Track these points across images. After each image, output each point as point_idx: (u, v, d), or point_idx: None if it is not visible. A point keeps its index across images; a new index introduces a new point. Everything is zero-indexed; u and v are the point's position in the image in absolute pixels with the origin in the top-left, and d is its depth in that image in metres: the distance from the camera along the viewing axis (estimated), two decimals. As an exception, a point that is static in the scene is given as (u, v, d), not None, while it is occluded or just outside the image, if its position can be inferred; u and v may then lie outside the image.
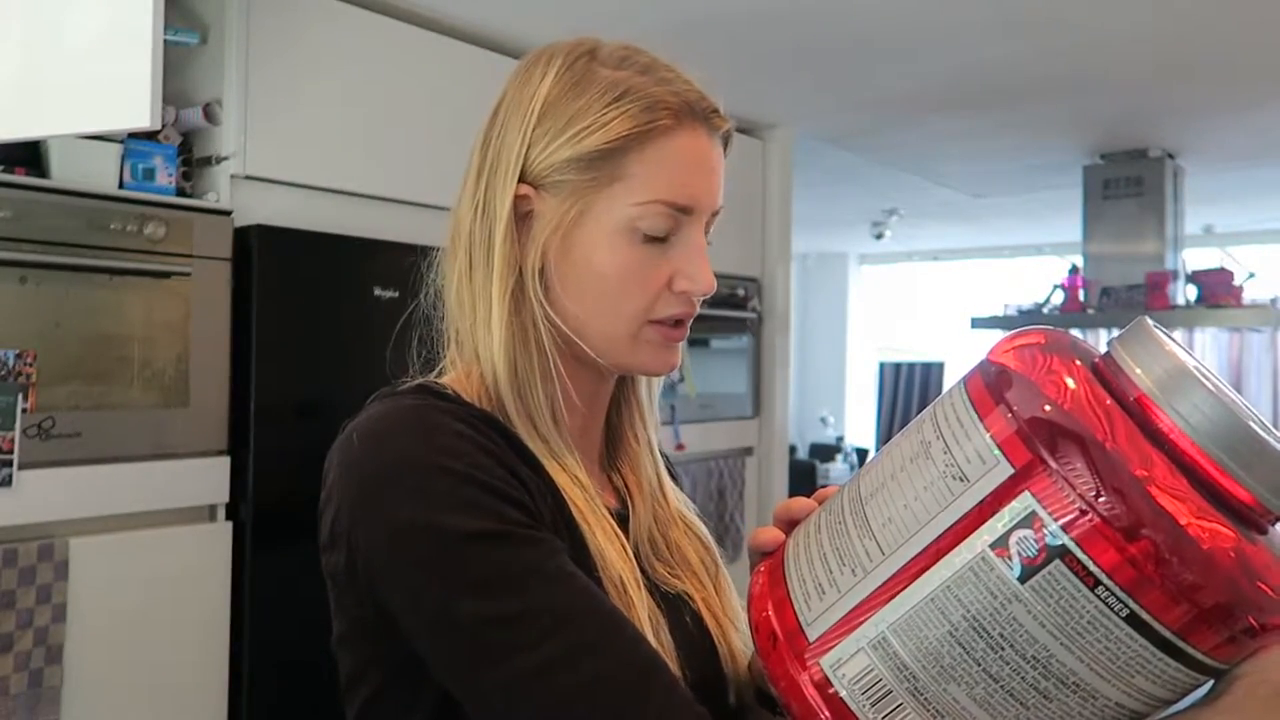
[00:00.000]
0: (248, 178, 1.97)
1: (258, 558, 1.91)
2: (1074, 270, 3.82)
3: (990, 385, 0.51)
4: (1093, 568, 0.45)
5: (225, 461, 1.90)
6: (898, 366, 6.80)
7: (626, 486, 0.79)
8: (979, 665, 0.48)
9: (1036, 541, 0.46)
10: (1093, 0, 2.25)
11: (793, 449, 6.00)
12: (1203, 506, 0.45)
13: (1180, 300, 3.67)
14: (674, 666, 0.64)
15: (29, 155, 1.76)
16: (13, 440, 1.62)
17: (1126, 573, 0.44)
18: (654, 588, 0.73)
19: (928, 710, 0.49)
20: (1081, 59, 2.68)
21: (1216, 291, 3.56)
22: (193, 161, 2.00)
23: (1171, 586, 0.44)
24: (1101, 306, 3.71)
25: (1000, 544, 0.47)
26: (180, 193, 1.92)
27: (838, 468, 6.18)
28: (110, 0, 0.73)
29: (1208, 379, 0.47)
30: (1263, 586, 0.45)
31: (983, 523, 0.48)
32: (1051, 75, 2.80)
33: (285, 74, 2.03)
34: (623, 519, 0.75)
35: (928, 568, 0.49)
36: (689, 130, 0.69)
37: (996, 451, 0.48)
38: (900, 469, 0.53)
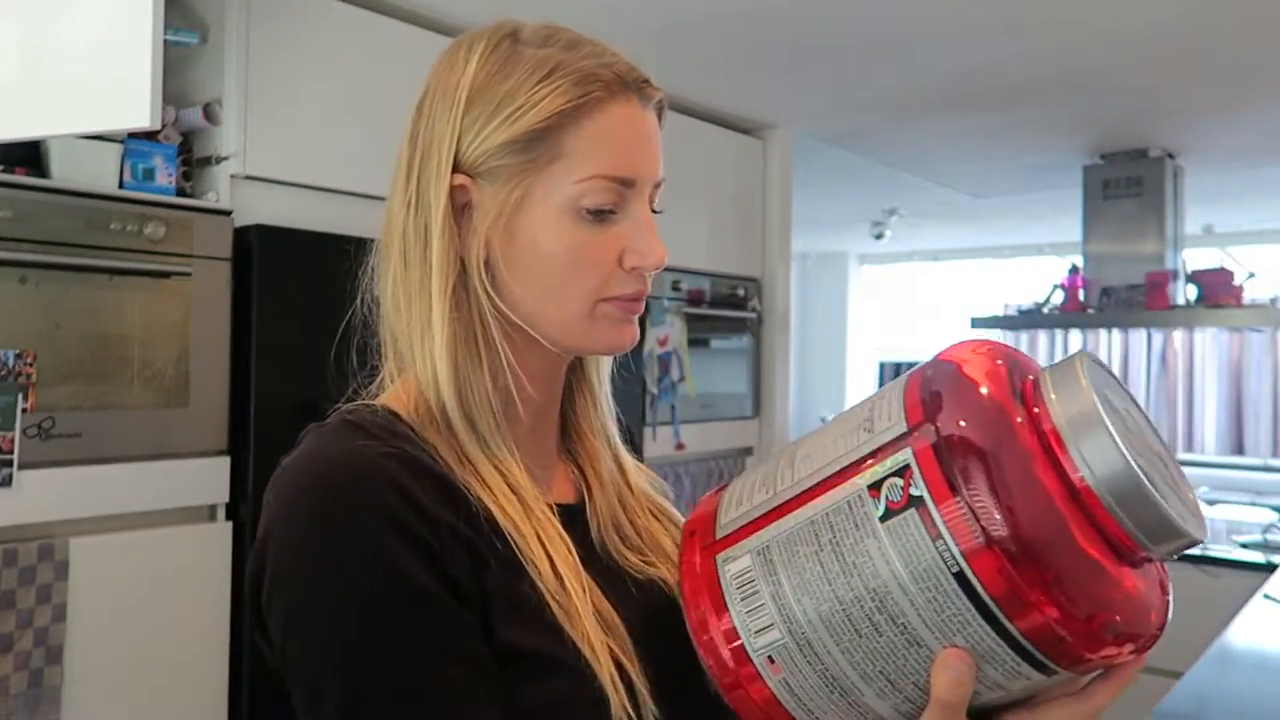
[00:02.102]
0: (248, 178, 1.97)
1: (258, 558, 1.91)
2: (1074, 270, 3.82)
3: (921, 375, 0.57)
4: (938, 521, 0.51)
5: (225, 461, 1.90)
6: (898, 366, 6.80)
7: (584, 477, 0.77)
8: (830, 586, 0.54)
9: (902, 489, 0.52)
10: (1093, 0, 2.25)
11: (793, 449, 5.99)
12: (1079, 527, 0.51)
13: (1180, 300, 3.67)
14: (631, 664, 0.64)
15: (29, 155, 1.76)
16: (13, 440, 1.62)
17: (965, 534, 0.50)
18: (622, 576, 0.72)
19: (781, 614, 0.56)
20: (1081, 59, 2.68)
21: (1216, 291, 3.56)
22: (193, 161, 2.00)
23: (1002, 561, 0.49)
24: (1101, 306, 3.71)
25: (875, 486, 0.53)
26: (180, 193, 1.92)
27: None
28: (110, 0, 0.73)
29: (1116, 424, 0.52)
30: (1089, 593, 0.50)
31: (870, 466, 0.54)
32: (1051, 75, 2.80)
33: (285, 74, 2.03)
34: (578, 511, 0.74)
35: (818, 495, 0.56)
36: (623, 102, 0.67)
37: (901, 410, 0.55)
38: (835, 421, 0.61)
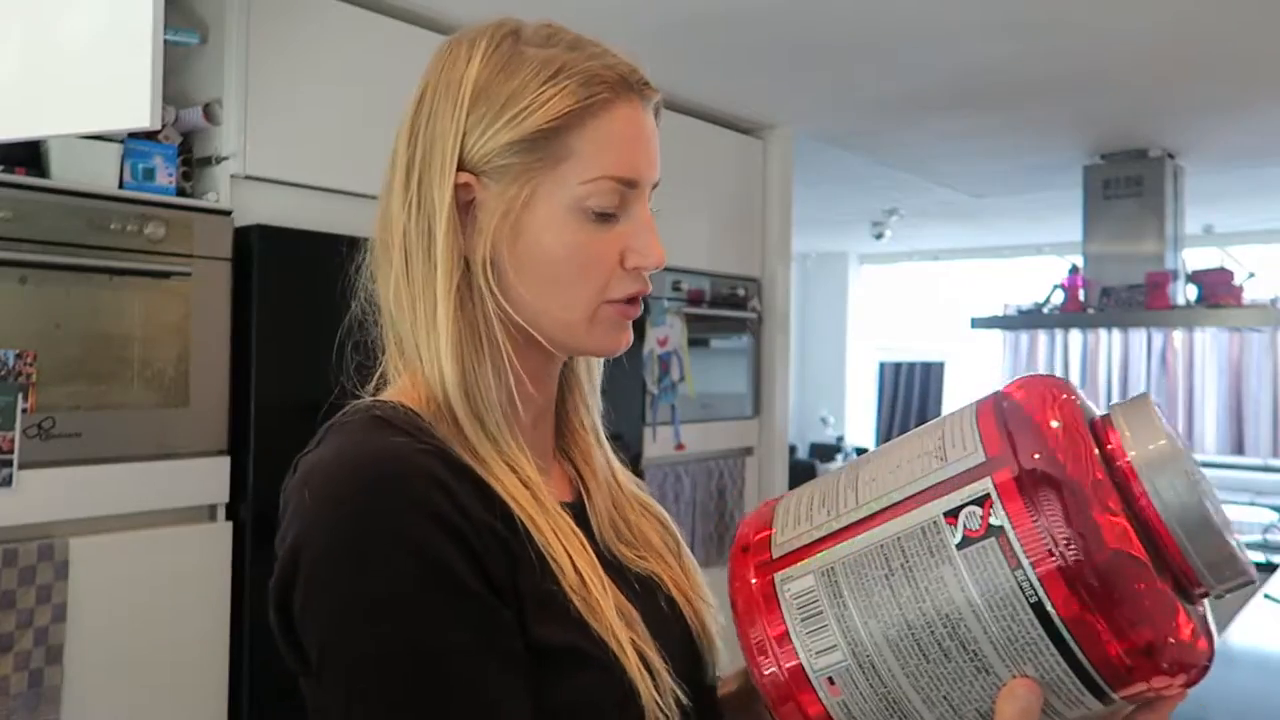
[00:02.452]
0: (248, 178, 1.97)
1: (258, 558, 1.91)
2: (1074, 270, 3.82)
3: (995, 408, 0.58)
4: (1019, 551, 0.51)
5: (225, 461, 1.91)
6: (898, 366, 6.81)
7: (579, 474, 0.78)
8: (900, 610, 0.54)
9: (981, 518, 0.53)
10: (1093, 0, 2.25)
11: (793, 449, 6.00)
12: (1152, 561, 0.52)
13: (1180, 300, 3.67)
14: (654, 655, 0.65)
15: (29, 155, 1.76)
16: (13, 440, 1.62)
17: (1045, 565, 0.51)
18: (624, 571, 0.72)
19: (845, 636, 0.56)
20: (1081, 59, 2.68)
21: (1216, 291, 3.56)
22: (193, 161, 2.00)
23: (1080, 592, 0.50)
24: (1101, 306, 3.71)
25: (952, 514, 0.54)
26: (180, 193, 1.92)
27: (838, 468, 6.15)
28: (110, 0, 0.73)
29: (1189, 463, 0.54)
30: (1155, 627, 0.52)
31: (945, 494, 0.55)
32: (1051, 75, 2.80)
33: (285, 74, 2.03)
34: (578, 509, 0.74)
35: (888, 519, 0.56)
36: (626, 103, 0.68)
37: (977, 440, 0.56)
38: (898, 445, 0.61)
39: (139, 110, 0.71)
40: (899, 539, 0.55)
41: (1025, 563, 0.51)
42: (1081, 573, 0.50)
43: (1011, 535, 0.52)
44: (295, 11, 2.05)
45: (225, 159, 1.96)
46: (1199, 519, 0.52)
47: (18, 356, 1.63)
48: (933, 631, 0.53)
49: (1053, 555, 0.51)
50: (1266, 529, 3.27)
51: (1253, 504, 3.94)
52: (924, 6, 2.29)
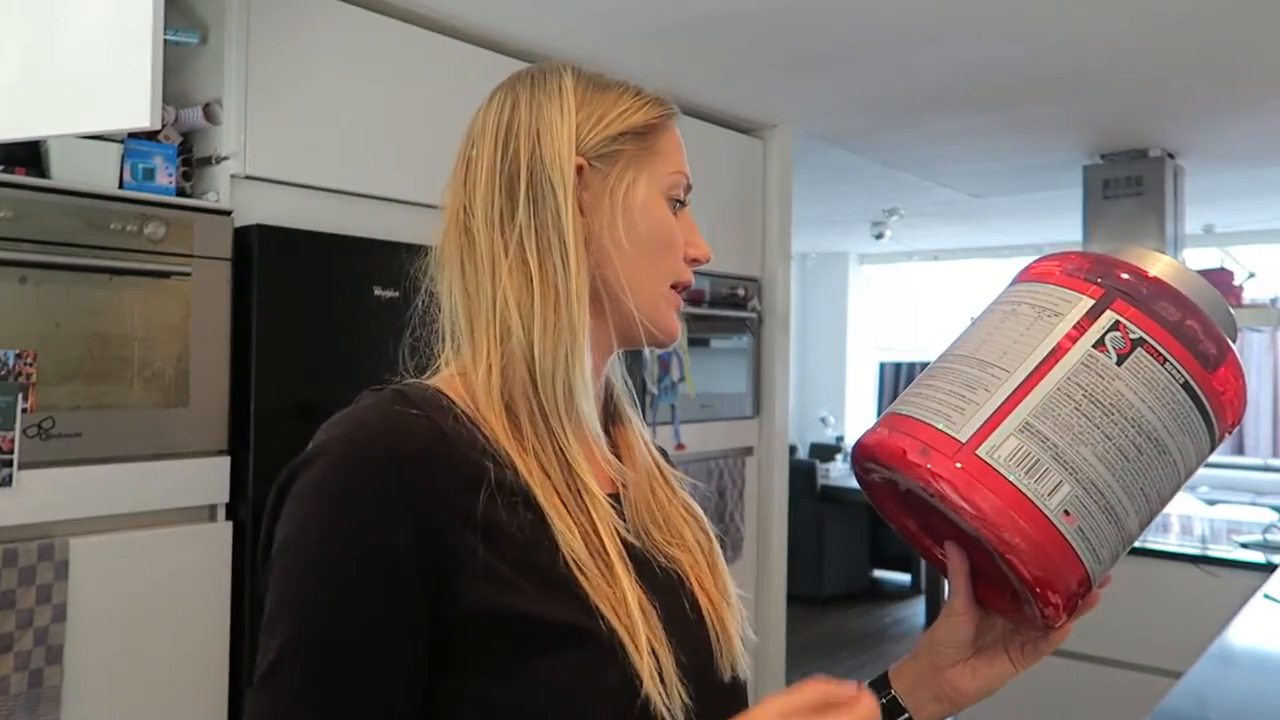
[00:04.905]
0: (248, 178, 1.97)
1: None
2: (1074, 270, 3.82)
3: (1055, 275, 0.73)
4: (1162, 350, 0.68)
5: (225, 461, 1.91)
6: (898, 366, 6.80)
7: (618, 454, 0.81)
8: (1098, 428, 0.67)
9: (1123, 339, 0.69)
10: (1093, 0, 2.25)
11: (793, 449, 6.00)
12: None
13: (1180, 300, 3.66)
14: (666, 652, 0.67)
15: (29, 155, 1.76)
16: (13, 440, 1.62)
17: (1181, 353, 0.69)
18: (650, 562, 0.74)
19: (1065, 468, 0.66)
20: (1081, 59, 2.68)
21: (1216, 291, 3.55)
22: (193, 161, 2.00)
23: (1201, 359, 0.69)
24: (1101, 306, 3.70)
25: (1099, 344, 0.69)
26: (180, 193, 1.92)
27: (838, 467, 6.15)
28: (110, 0, 0.73)
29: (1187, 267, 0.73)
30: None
31: (1082, 335, 0.69)
32: (1051, 75, 2.80)
33: (285, 74, 2.03)
34: (615, 497, 0.76)
35: (1049, 370, 0.69)
36: (675, 119, 0.82)
37: (1075, 295, 0.71)
38: (995, 329, 0.74)
39: (139, 110, 0.72)
40: (1069, 377, 0.68)
41: (1170, 357, 0.68)
42: (1205, 350, 0.69)
43: (1153, 342, 0.69)
44: (295, 11, 2.05)
45: (225, 159, 1.95)
46: (1221, 301, 0.72)
47: (18, 356, 1.63)
48: (1125, 434, 0.67)
49: (1185, 346, 0.69)
50: (1266, 529, 3.27)
51: (1253, 504, 3.94)
52: (924, 7, 2.29)
